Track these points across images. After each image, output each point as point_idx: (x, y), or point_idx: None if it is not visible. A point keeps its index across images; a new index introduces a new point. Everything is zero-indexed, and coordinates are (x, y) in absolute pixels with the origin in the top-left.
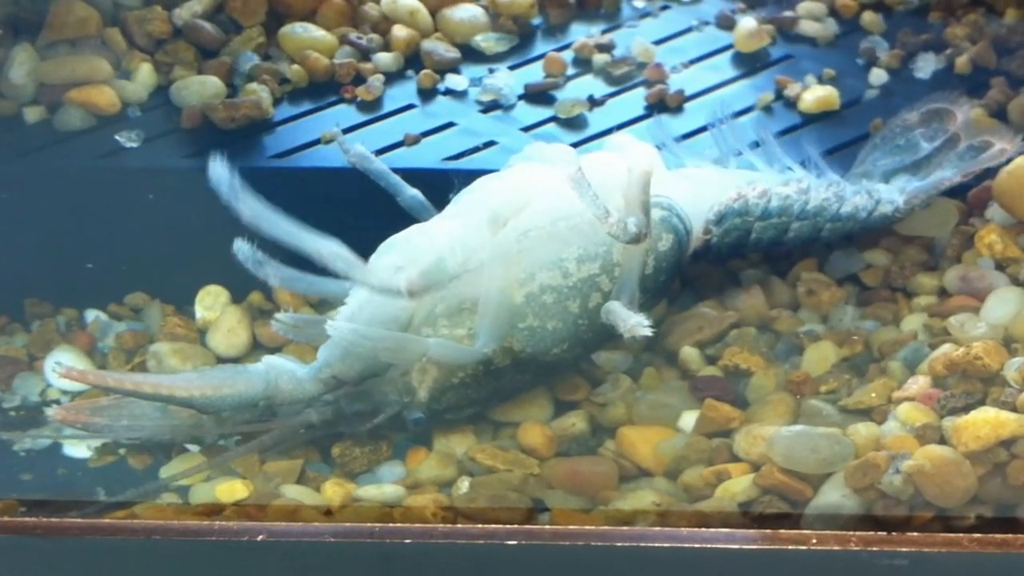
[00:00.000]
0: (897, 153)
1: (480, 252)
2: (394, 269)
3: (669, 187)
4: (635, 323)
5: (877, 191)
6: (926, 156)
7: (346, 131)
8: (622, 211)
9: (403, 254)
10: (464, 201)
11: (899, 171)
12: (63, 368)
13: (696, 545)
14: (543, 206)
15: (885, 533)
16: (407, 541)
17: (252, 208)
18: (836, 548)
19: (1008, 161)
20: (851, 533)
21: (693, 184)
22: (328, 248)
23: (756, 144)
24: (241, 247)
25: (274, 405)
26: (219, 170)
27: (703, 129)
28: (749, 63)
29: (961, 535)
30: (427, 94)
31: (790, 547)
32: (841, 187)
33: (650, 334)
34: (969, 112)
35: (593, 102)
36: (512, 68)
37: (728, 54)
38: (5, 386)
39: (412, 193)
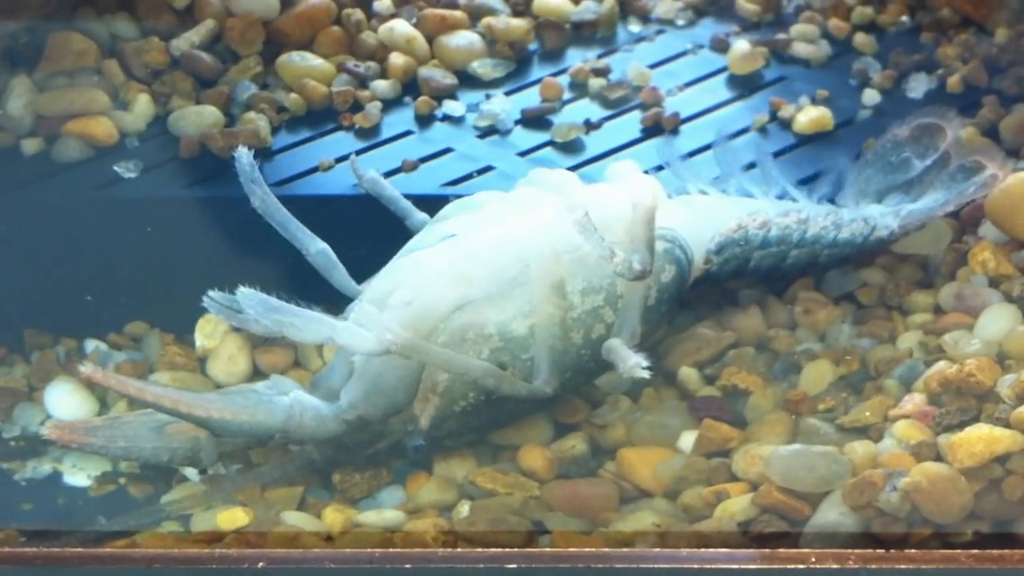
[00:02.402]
0: (889, 171)
1: (482, 282)
2: (403, 304)
3: (671, 215)
4: (633, 364)
5: (873, 218)
6: (918, 175)
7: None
8: (625, 245)
9: (411, 287)
10: (467, 224)
11: (891, 190)
12: (89, 368)
13: (696, 565)
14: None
15: (883, 550)
16: (407, 566)
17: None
18: (835, 566)
19: None
20: (850, 551)
21: (694, 212)
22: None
23: (753, 165)
24: (212, 298)
25: (290, 440)
26: (244, 157)
27: (700, 151)
28: (743, 85)
29: (959, 551)
30: (425, 120)
31: (789, 566)
32: (839, 215)
33: (648, 376)
34: (959, 128)
35: (589, 126)
36: (509, 93)
37: (723, 76)
38: (5, 416)
39: (421, 217)
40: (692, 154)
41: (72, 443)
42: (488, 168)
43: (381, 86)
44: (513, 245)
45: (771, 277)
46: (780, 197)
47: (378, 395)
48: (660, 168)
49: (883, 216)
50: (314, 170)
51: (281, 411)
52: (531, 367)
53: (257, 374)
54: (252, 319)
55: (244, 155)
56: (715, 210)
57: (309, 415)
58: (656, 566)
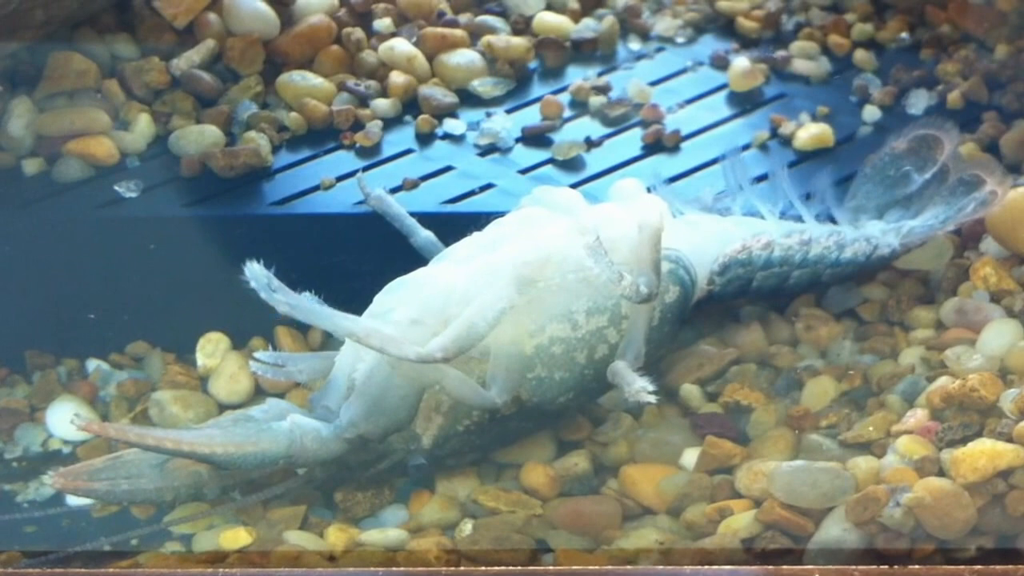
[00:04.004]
0: (889, 185)
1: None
2: (409, 322)
3: (675, 236)
4: (639, 388)
5: (875, 237)
6: (917, 190)
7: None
8: (631, 265)
9: (416, 305)
10: (472, 246)
11: (891, 205)
12: (83, 420)
13: None
14: (554, 258)
15: (887, 567)
16: None
17: (289, 300)
18: None
19: None
20: (853, 567)
21: (698, 233)
22: (364, 325)
23: (764, 176)
24: (254, 270)
25: (294, 465)
26: (256, 271)
27: (701, 168)
28: (744, 102)
29: (962, 567)
30: (425, 139)
31: None
32: (841, 236)
33: (653, 401)
34: (957, 140)
35: (590, 143)
36: (509, 111)
37: (723, 94)
38: (7, 437)
39: (426, 235)
40: (693, 171)
41: (77, 491)
42: (489, 186)
43: (382, 105)
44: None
45: (773, 297)
46: (783, 213)
47: (379, 414)
48: (651, 188)
49: (884, 234)
50: (315, 189)
51: (283, 437)
52: (537, 386)
53: (259, 393)
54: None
55: (258, 270)
56: (719, 231)
57: (310, 437)
58: None
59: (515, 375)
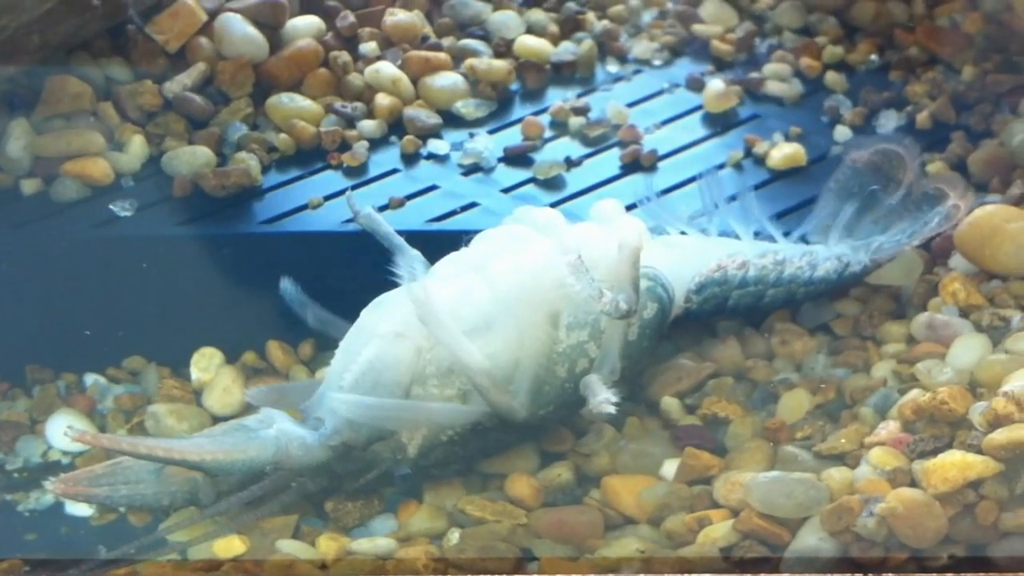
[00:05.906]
0: (854, 201)
1: (473, 316)
2: (394, 336)
3: (654, 255)
4: (602, 400)
5: (846, 255)
6: (884, 205)
7: (331, 196)
8: (611, 283)
9: (399, 319)
10: (455, 264)
11: (859, 221)
12: (76, 432)
13: None
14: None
15: (862, 575)
16: None
17: (317, 315)
18: None
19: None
20: (829, 575)
21: (676, 253)
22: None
23: (733, 198)
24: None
25: (282, 471)
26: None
27: (678, 187)
28: (719, 123)
29: (935, 575)
30: (410, 159)
31: None
32: (814, 255)
33: (613, 411)
34: (918, 154)
35: (570, 163)
36: (491, 132)
37: (698, 115)
38: (8, 449)
39: (413, 254)
40: (670, 190)
41: (77, 496)
42: (472, 205)
43: (368, 126)
44: (504, 282)
45: (749, 315)
46: (757, 234)
47: (363, 423)
48: (633, 206)
49: (855, 251)
50: (303, 208)
51: (270, 444)
52: None
53: (251, 406)
54: None
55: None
56: (696, 251)
57: (295, 444)
58: None
59: (536, 389)
